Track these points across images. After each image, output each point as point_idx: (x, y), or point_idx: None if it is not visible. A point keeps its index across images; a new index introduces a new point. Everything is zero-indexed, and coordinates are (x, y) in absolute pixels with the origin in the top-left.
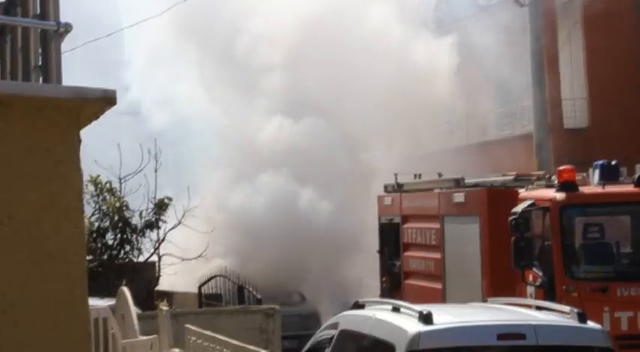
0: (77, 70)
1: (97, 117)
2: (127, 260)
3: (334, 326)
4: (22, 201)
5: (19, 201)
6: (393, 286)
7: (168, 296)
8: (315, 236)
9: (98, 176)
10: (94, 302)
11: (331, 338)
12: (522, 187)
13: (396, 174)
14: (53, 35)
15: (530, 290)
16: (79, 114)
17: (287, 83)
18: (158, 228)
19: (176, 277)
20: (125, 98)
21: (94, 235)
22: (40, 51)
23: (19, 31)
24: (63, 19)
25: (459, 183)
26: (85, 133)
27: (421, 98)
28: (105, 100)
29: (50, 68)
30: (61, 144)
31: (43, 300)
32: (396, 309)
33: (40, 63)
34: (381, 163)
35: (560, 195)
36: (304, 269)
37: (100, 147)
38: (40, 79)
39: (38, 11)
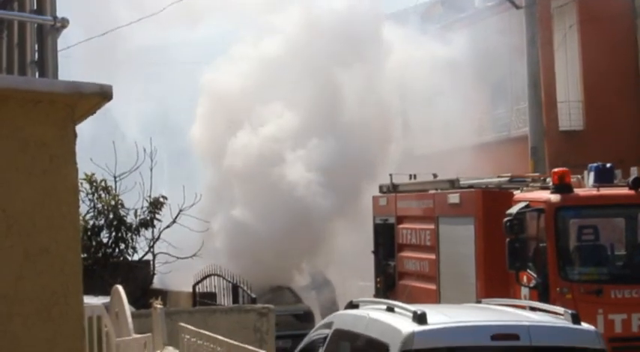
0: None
1: (93, 113)
2: (121, 258)
3: (328, 325)
4: (17, 195)
5: (13, 195)
6: (388, 286)
7: (162, 294)
8: (313, 232)
9: (93, 174)
10: (89, 300)
11: (325, 337)
12: (517, 189)
13: (391, 175)
14: (50, 30)
15: (524, 291)
16: (75, 109)
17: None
18: (153, 226)
19: (170, 276)
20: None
21: (89, 233)
22: (36, 46)
23: (16, 26)
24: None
25: (454, 184)
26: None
27: (416, 99)
28: (101, 95)
29: (46, 63)
30: (57, 138)
31: (37, 295)
32: (390, 309)
33: (36, 58)
34: (378, 163)
35: (554, 197)
36: (299, 267)
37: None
38: (37, 73)
39: (35, 6)
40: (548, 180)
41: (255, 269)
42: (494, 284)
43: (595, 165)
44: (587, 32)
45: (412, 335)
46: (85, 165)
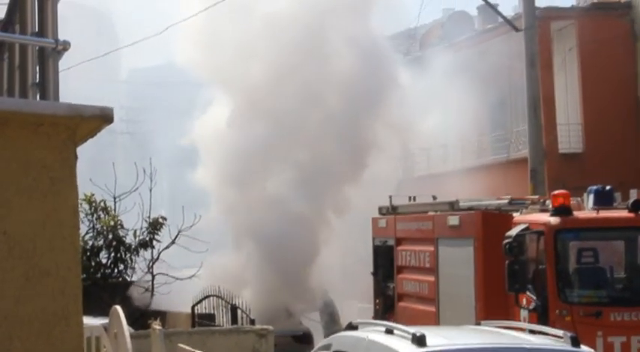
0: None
1: (93, 135)
2: (120, 279)
3: (327, 347)
4: (18, 218)
5: (14, 218)
6: (387, 308)
7: (161, 315)
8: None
9: (92, 194)
10: (87, 320)
11: None
12: (517, 211)
13: (390, 197)
14: (51, 53)
15: (523, 313)
16: (76, 131)
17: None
18: (152, 247)
19: (169, 296)
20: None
21: (88, 254)
22: (37, 68)
23: (17, 48)
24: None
25: (453, 206)
26: (80, 151)
27: (416, 120)
28: (102, 118)
29: (48, 85)
30: (58, 160)
31: (38, 316)
32: (389, 331)
33: (37, 80)
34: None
35: (554, 220)
36: (299, 288)
37: (95, 166)
38: (38, 96)
39: (36, 29)
40: (547, 202)
41: (255, 290)
42: (494, 306)
43: (594, 187)
44: (587, 55)
45: None
46: (84, 185)
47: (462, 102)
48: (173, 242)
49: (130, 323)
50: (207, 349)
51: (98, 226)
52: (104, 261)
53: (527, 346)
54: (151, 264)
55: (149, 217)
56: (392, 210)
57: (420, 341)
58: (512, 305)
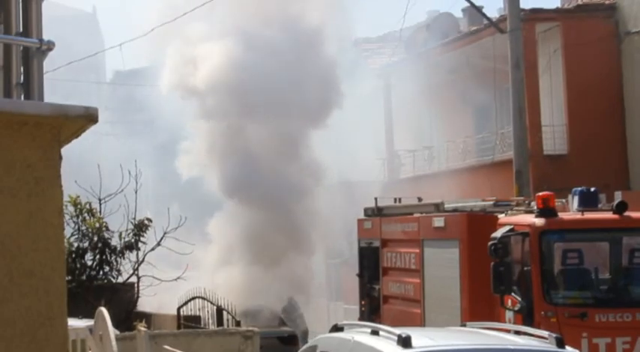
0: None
1: (78, 135)
2: (105, 281)
3: (313, 349)
4: (2, 217)
5: None
6: (372, 310)
7: (146, 317)
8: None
9: (78, 196)
10: (73, 322)
11: None
12: (502, 213)
13: (376, 198)
14: (35, 52)
15: (509, 315)
16: (61, 131)
17: None
18: (138, 249)
19: (155, 298)
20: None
21: (73, 256)
22: (21, 68)
23: (1, 48)
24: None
25: (438, 207)
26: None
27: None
28: (87, 118)
29: (32, 85)
30: (42, 160)
31: (22, 317)
32: (375, 332)
33: (21, 80)
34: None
35: (539, 221)
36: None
37: (80, 168)
38: (22, 96)
39: (20, 29)
40: (532, 203)
41: (241, 291)
42: (479, 307)
43: (579, 189)
44: (572, 57)
45: None
46: (69, 187)
47: (447, 104)
48: (159, 243)
49: (116, 325)
50: (193, 351)
51: (83, 228)
52: (89, 263)
53: (513, 347)
54: (136, 265)
55: (134, 219)
56: (377, 212)
57: (405, 342)
58: (498, 306)
